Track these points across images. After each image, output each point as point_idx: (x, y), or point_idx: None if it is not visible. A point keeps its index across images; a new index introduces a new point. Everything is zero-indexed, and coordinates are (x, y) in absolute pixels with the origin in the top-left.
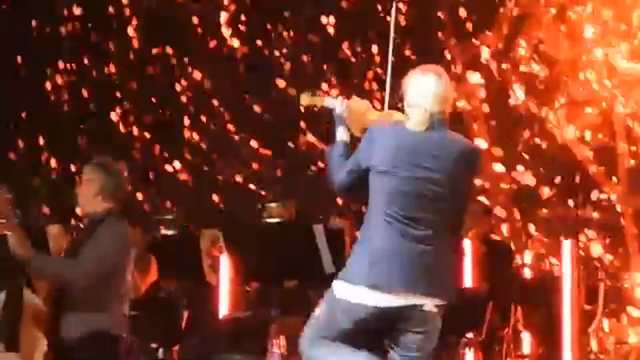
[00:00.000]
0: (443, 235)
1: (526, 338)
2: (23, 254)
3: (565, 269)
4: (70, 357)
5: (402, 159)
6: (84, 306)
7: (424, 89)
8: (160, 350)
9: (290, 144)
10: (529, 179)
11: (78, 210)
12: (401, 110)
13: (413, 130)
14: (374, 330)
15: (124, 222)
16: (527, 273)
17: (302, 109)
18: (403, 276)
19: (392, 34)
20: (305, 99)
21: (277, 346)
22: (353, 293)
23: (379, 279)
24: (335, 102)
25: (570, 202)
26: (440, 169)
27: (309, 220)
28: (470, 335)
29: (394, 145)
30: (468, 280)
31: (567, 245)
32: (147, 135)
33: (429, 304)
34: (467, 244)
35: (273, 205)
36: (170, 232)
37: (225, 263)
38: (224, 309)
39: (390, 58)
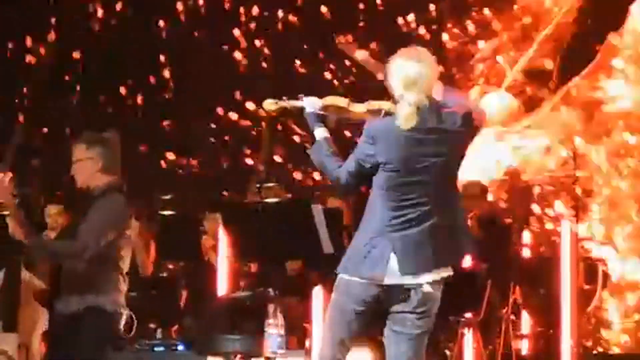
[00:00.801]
0: (446, 200)
1: (525, 318)
2: (21, 237)
3: (564, 248)
4: (65, 332)
5: (406, 155)
6: (82, 285)
7: (406, 79)
8: (159, 330)
9: None
10: None
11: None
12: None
13: (406, 126)
14: (379, 310)
15: (122, 197)
16: (526, 253)
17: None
18: (403, 262)
19: None
20: (268, 105)
21: (275, 326)
22: (353, 278)
23: (376, 269)
24: (302, 102)
25: None
26: (440, 148)
27: (307, 199)
28: (469, 315)
29: (396, 143)
30: (467, 260)
31: (565, 225)
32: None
33: (429, 282)
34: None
35: (270, 185)
36: (169, 212)
37: (224, 243)
38: (222, 289)
39: None
